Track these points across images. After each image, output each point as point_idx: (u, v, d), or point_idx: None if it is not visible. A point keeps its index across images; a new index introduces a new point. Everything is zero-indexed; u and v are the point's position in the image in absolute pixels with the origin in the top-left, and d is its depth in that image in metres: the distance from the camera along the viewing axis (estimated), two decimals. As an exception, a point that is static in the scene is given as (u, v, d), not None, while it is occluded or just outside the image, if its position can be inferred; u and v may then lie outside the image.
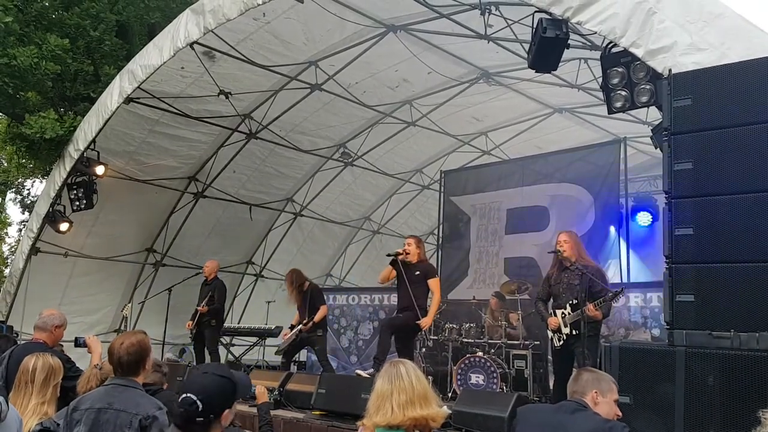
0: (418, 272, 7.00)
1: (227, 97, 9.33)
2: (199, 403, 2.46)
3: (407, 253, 6.99)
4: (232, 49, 8.56)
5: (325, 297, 11.10)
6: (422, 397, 2.68)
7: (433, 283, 7.02)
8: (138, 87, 8.71)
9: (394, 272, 7.10)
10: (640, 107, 5.20)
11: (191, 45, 8.05)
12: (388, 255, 7.19)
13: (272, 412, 6.31)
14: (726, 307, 3.61)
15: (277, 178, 12.08)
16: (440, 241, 12.25)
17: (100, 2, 12.24)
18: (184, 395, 2.50)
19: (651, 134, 5.58)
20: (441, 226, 12.27)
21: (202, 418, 2.49)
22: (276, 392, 6.77)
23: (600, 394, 3.06)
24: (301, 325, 8.23)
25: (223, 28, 7.80)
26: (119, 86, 8.87)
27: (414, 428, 2.63)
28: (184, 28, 7.99)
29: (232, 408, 2.59)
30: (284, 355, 8.58)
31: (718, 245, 3.67)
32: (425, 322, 6.88)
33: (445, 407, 5.93)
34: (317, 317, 8.24)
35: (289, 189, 12.53)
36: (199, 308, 8.94)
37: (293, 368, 10.29)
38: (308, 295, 8.39)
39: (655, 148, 5.40)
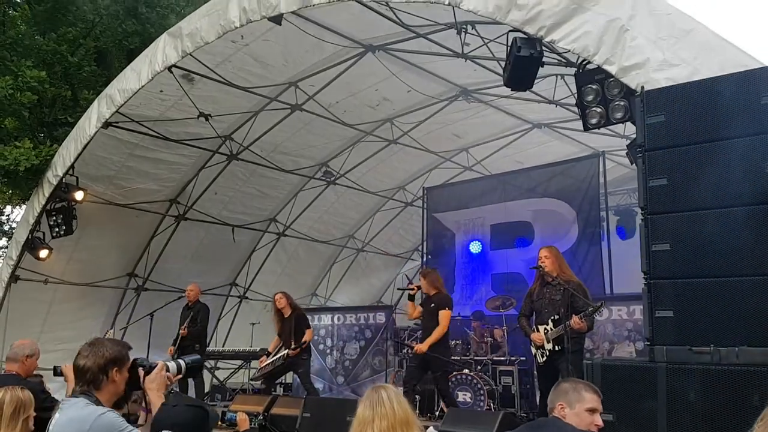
0: (432, 305, 7.34)
1: (207, 119, 9.29)
2: None
3: (418, 288, 7.52)
4: (210, 72, 8.54)
5: (311, 317, 11.07)
6: (404, 423, 2.67)
7: (442, 315, 7.25)
8: (116, 111, 8.65)
9: (419, 308, 7.58)
10: (615, 123, 5.25)
11: (169, 68, 8.02)
12: (399, 289, 7.61)
13: (257, 437, 6.27)
14: (705, 322, 3.61)
15: (259, 199, 12.04)
16: (425, 258, 12.27)
17: (77, 27, 12.20)
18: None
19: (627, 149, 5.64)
20: (425, 243, 12.29)
21: None
22: (261, 417, 6.71)
23: (567, 405, 2.99)
24: (288, 351, 8.19)
25: (202, 51, 7.79)
26: (97, 111, 8.82)
27: None
28: (162, 51, 7.97)
29: None
30: (267, 380, 8.54)
31: (695, 260, 3.69)
32: (418, 347, 7.23)
33: (431, 428, 5.92)
34: (305, 339, 8.23)
35: (272, 209, 12.49)
36: (180, 330, 8.85)
37: (279, 390, 10.23)
38: (293, 320, 8.36)
39: (631, 164, 5.45)
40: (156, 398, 2.77)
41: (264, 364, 8.43)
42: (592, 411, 2.99)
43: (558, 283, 6.02)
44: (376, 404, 2.71)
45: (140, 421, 3.95)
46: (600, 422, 2.99)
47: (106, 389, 2.73)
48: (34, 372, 5.23)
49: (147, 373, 2.84)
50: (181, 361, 3.00)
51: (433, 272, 7.83)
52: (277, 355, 8.31)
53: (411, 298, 7.63)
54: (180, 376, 2.98)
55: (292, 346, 8.12)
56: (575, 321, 5.66)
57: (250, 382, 9.26)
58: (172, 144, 9.87)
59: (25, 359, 4.77)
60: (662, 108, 3.94)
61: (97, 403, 2.66)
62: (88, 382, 2.72)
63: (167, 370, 2.89)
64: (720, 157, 3.69)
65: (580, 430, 2.89)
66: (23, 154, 9.27)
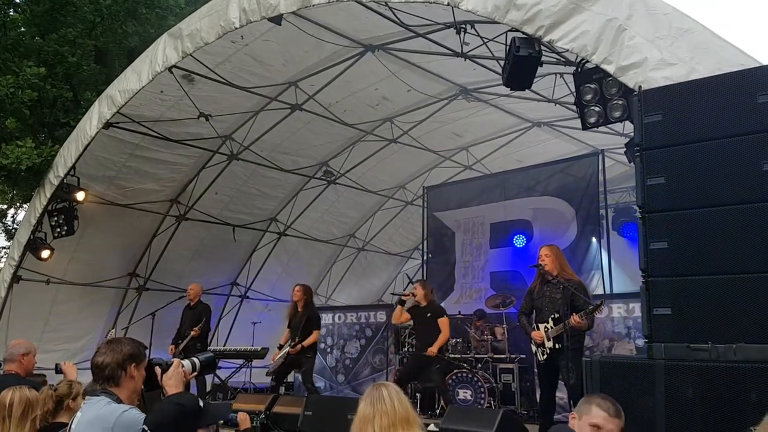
0: (429, 314, 7.69)
1: (207, 120, 9.33)
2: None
3: (414, 296, 7.77)
4: (211, 72, 8.58)
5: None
6: (404, 420, 2.70)
7: (442, 322, 7.67)
8: (117, 112, 8.69)
9: (407, 315, 7.90)
10: (614, 122, 5.28)
11: (170, 69, 8.05)
12: (393, 294, 8.12)
13: (259, 436, 6.30)
14: (703, 319, 3.64)
15: (259, 199, 12.07)
16: (425, 257, 12.30)
17: (77, 27, 12.21)
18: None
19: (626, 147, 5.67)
20: (425, 242, 12.32)
21: None
22: (262, 415, 6.74)
23: (577, 416, 3.03)
24: (288, 349, 8.22)
25: (202, 51, 7.82)
26: (98, 111, 8.85)
27: None
28: (162, 52, 8.00)
29: None
30: (275, 377, 8.56)
31: (692, 258, 3.71)
32: (431, 350, 7.51)
33: (432, 425, 5.96)
34: (307, 342, 8.22)
35: (273, 209, 12.52)
36: (193, 331, 8.91)
37: (281, 390, 10.24)
38: (304, 317, 8.36)
39: (629, 163, 5.47)
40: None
41: (277, 358, 8.45)
42: (594, 427, 2.92)
43: (558, 282, 6.04)
44: (377, 401, 2.73)
45: None
46: None
47: (125, 386, 2.76)
48: (35, 371, 5.26)
49: (164, 371, 2.87)
50: (195, 359, 3.04)
51: (429, 284, 8.29)
52: (283, 353, 8.33)
53: (402, 303, 7.94)
54: (195, 373, 3.01)
55: (292, 344, 8.14)
56: (575, 319, 5.69)
57: (267, 375, 9.30)
58: (173, 144, 9.91)
59: (21, 358, 4.78)
60: (660, 107, 3.96)
61: (118, 401, 2.70)
62: (107, 378, 2.75)
63: (182, 367, 2.93)
64: (717, 156, 3.71)
65: None
66: (25, 153, 9.30)
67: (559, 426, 3.11)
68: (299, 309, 8.45)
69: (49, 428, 3.50)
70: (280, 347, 8.55)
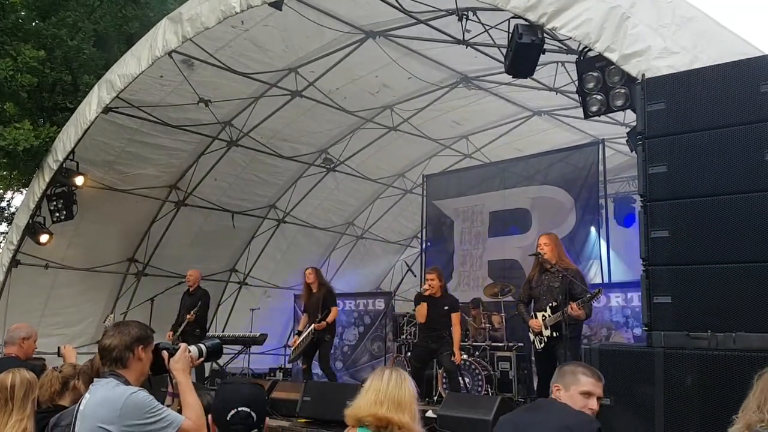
0: (446, 307, 7.38)
1: (207, 105, 9.30)
2: (254, 414, 2.49)
3: (432, 288, 7.35)
4: (210, 57, 8.54)
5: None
6: (393, 401, 2.69)
7: (456, 317, 7.41)
8: (116, 96, 8.64)
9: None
10: (616, 111, 5.27)
11: (170, 53, 8.01)
12: (418, 294, 7.68)
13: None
14: (702, 307, 3.65)
15: (259, 185, 12.05)
16: (424, 245, 12.31)
17: (77, 11, 12.14)
18: (235, 410, 2.49)
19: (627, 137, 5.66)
20: (424, 230, 12.33)
21: (256, 429, 2.51)
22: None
23: (562, 387, 3.01)
24: (314, 325, 8.25)
25: (202, 36, 7.77)
26: (97, 96, 8.81)
27: (377, 428, 2.64)
28: (162, 36, 7.95)
29: None
30: (303, 359, 8.58)
31: (693, 247, 3.72)
32: (457, 359, 7.44)
33: (429, 412, 5.96)
34: (330, 318, 8.32)
35: (272, 196, 12.50)
36: (188, 316, 8.94)
37: (279, 375, 10.29)
38: (320, 296, 8.41)
39: (631, 151, 5.47)
40: (183, 378, 2.80)
41: (296, 344, 8.50)
42: (586, 394, 2.96)
43: (557, 270, 6.06)
44: (375, 378, 2.81)
45: (166, 403, 3.99)
46: (595, 406, 2.95)
47: (133, 368, 2.75)
48: (35, 355, 5.28)
49: (171, 355, 2.85)
50: (201, 345, 3.02)
51: (442, 272, 7.90)
52: (307, 332, 8.37)
53: (425, 299, 7.47)
54: (202, 359, 3.00)
55: (317, 320, 8.21)
56: (573, 308, 5.70)
57: (288, 364, 9.31)
58: (172, 130, 9.87)
59: (21, 342, 4.80)
60: (663, 95, 3.96)
61: (126, 383, 2.69)
62: (114, 360, 2.74)
63: (189, 352, 2.92)
64: (719, 145, 3.71)
65: (575, 410, 2.88)
66: (22, 134, 9.25)
67: (548, 398, 3.10)
68: (314, 291, 8.56)
69: (53, 410, 3.51)
70: (299, 333, 8.60)
